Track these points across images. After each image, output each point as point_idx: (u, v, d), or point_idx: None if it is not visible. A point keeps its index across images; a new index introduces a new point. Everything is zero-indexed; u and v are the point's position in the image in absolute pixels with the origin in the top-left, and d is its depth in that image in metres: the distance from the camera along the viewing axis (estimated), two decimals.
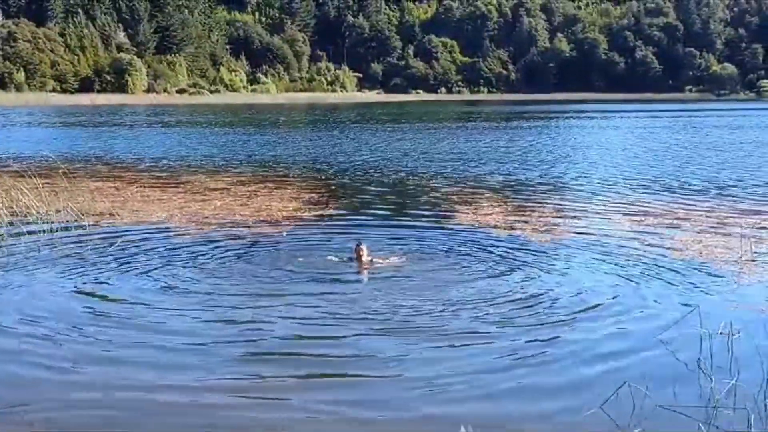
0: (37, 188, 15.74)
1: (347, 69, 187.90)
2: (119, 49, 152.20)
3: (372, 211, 15.69)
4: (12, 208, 14.19)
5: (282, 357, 6.83)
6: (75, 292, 9.03)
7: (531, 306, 8.33)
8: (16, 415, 5.67)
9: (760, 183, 19.43)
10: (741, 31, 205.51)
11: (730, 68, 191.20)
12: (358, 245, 10.17)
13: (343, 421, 5.65)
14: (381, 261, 10.12)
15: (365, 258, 9.97)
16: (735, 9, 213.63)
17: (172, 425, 5.57)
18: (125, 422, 5.59)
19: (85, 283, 9.41)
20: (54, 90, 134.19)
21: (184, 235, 12.46)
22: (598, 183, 19.92)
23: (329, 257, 10.55)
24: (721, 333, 7.07)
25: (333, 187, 19.55)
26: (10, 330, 7.58)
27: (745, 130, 46.23)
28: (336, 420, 5.66)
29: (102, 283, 9.45)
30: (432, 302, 8.34)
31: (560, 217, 14.50)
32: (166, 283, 9.40)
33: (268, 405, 5.87)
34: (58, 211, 14.27)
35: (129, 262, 10.49)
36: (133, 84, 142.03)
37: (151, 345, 7.12)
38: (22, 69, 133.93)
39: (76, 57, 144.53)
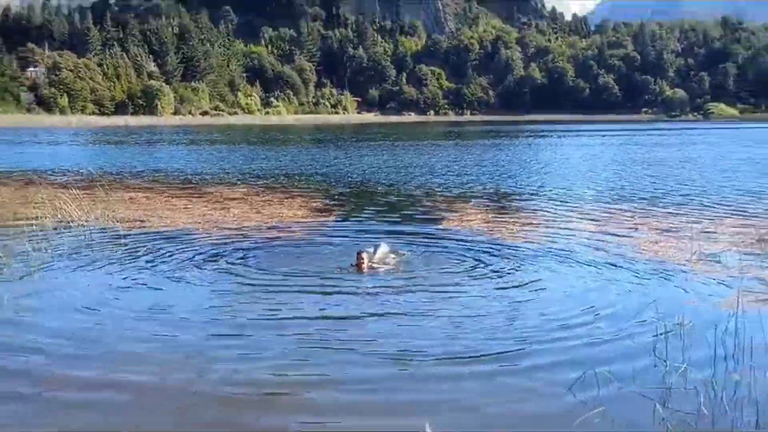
0: (77, 198, 15.73)
1: (348, 94, 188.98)
2: (150, 76, 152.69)
3: (370, 218, 15.67)
4: (56, 215, 14.19)
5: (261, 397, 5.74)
6: (109, 288, 9.00)
7: (507, 302, 8.33)
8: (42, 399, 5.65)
9: (704, 193, 19.48)
10: (690, 60, 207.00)
11: (681, 93, 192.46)
12: (359, 253, 9.99)
13: None
14: (379, 266, 10.02)
15: (365, 265, 9.83)
16: (685, 41, 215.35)
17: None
18: (142, 417, 5.57)
19: (118, 281, 9.39)
20: (93, 113, 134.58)
21: (206, 239, 12.45)
22: (565, 192, 19.91)
23: (335, 265, 10.28)
24: (674, 324, 7.08)
25: (336, 197, 19.55)
26: (50, 322, 7.57)
27: (692, 147, 46.45)
28: None
29: (133, 281, 9.43)
30: (419, 311, 8.18)
31: (532, 223, 14.50)
32: (188, 282, 9.40)
33: None
34: (96, 218, 14.28)
35: (157, 263, 10.48)
36: (162, 107, 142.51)
37: (162, 340, 7.10)
38: (65, 94, 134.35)
39: (112, 84, 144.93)
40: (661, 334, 6.75)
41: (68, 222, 13.80)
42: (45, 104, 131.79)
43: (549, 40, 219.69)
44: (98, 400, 5.58)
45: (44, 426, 5.16)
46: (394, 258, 10.50)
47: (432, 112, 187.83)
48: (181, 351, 6.65)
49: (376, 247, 10.37)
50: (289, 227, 13.82)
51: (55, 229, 13.19)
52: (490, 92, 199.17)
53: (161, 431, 5.13)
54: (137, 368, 6.18)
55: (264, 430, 5.17)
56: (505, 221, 14.56)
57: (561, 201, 18.03)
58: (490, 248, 11.44)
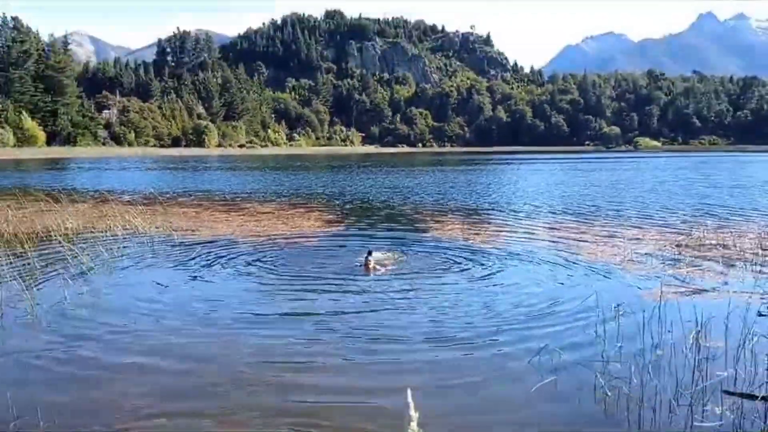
0: (141, 212, 15.76)
1: (354, 130, 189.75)
2: (199, 117, 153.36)
3: (372, 227, 15.64)
4: (125, 225, 14.20)
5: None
6: (167, 284, 8.99)
7: (481, 294, 8.33)
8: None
9: (633, 208, 19.50)
10: (623, 104, 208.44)
11: (616, 129, 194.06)
12: (367, 257, 9.94)
13: None
14: (382, 268, 9.96)
15: (372, 266, 9.77)
16: (618, 89, 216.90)
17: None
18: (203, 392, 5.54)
19: (172, 277, 9.38)
20: (154, 145, 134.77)
21: (243, 244, 12.45)
22: (524, 207, 19.88)
23: (346, 265, 10.21)
24: (611, 310, 7.09)
25: (345, 211, 19.54)
26: (123, 310, 7.56)
27: (624, 172, 46.52)
28: None
29: (185, 277, 9.43)
30: (414, 302, 8.24)
31: (499, 231, 14.50)
32: (227, 278, 9.40)
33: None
34: (156, 227, 14.28)
35: (205, 263, 10.48)
36: (209, 141, 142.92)
37: (203, 325, 7.09)
38: (132, 131, 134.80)
39: (169, 123, 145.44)
40: (601, 319, 6.76)
41: (134, 231, 13.81)
42: (116, 139, 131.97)
43: (512, 88, 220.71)
44: (153, 367, 5.59)
45: (102, 387, 5.16)
46: (393, 259, 10.49)
47: (420, 144, 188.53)
48: (217, 334, 6.64)
49: (370, 251, 10.30)
50: (309, 235, 13.82)
51: (124, 236, 13.20)
52: (466, 129, 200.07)
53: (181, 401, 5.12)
54: (179, 350, 6.19)
55: (278, 405, 5.12)
56: (478, 230, 14.57)
57: (520, 214, 18.05)
58: (467, 251, 11.45)
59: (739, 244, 11.85)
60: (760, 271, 9.53)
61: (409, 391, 2.61)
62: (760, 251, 11.05)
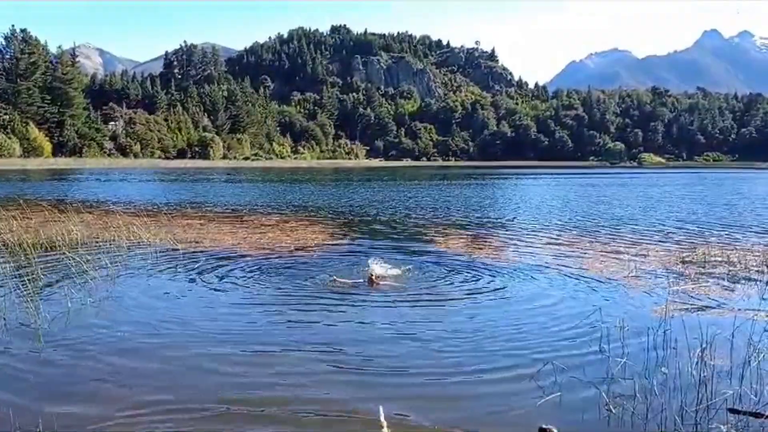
0: (146, 224, 15.79)
1: (359, 144, 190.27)
2: (204, 129, 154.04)
3: (376, 240, 15.61)
4: (130, 237, 14.24)
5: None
6: (171, 296, 8.99)
7: (483, 309, 8.30)
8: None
9: (638, 223, 19.45)
10: (627, 120, 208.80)
11: (620, 145, 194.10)
12: (369, 271, 9.88)
13: None
14: (385, 282, 9.90)
15: (375, 279, 9.74)
16: (623, 105, 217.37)
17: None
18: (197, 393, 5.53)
19: (175, 289, 9.38)
20: (159, 157, 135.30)
21: (247, 256, 12.45)
22: (529, 222, 19.86)
23: (346, 278, 10.18)
24: (615, 327, 7.05)
25: (350, 224, 19.52)
26: (126, 320, 7.56)
27: (629, 187, 46.44)
28: None
29: (187, 288, 9.43)
30: (414, 319, 8.21)
31: (503, 246, 14.48)
32: (230, 289, 9.38)
33: None
34: (160, 239, 14.31)
35: (207, 275, 10.47)
36: (214, 153, 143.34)
37: (200, 335, 7.08)
38: (138, 143, 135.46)
39: (174, 135, 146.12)
40: (605, 335, 6.72)
41: (138, 242, 13.84)
42: (122, 150, 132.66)
43: (516, 103, 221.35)
44: (144, 370, 5.59)
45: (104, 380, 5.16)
46: (396, 272, 10.46)
47: (424, 158, 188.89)
48: (218, 347, 6.62)
49: (373, 263, 10.22)
50: (312, 247, 13.80)
51: (128, 247, 13.22)
52: (470, 143, 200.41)
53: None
54: (180, 363, 6.18)
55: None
56: (481, 244, 14.55)
57: (525, 228, 18.02)
58: (471, 265, 11.43)
59: (744, 260, 11.80)
60: (766, 289, 9.47)
61: (381, 408, 2.58)
62: (766, 268, 11.00)
